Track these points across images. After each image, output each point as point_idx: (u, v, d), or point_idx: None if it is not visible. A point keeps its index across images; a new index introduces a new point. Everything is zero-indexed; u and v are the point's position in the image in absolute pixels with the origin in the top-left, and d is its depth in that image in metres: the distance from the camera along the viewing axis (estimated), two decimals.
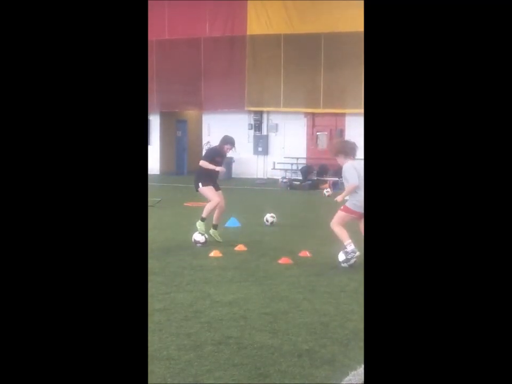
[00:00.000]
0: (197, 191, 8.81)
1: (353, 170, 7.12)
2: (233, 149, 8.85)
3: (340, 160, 7.38)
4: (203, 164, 8.57)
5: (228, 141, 8.72)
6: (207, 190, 8.61)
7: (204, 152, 9.81)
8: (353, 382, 3.67)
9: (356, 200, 7.07)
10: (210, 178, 8.61)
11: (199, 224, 8.49)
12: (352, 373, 3.80)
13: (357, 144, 7.36)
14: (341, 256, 7.04)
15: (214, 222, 8.72)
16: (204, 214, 8.51)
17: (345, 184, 7.33)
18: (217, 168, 8.47)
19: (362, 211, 7.03)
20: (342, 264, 7.00)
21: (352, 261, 6.97)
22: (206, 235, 8.41)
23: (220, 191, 8.74)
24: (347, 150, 7.36)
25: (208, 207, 8.54)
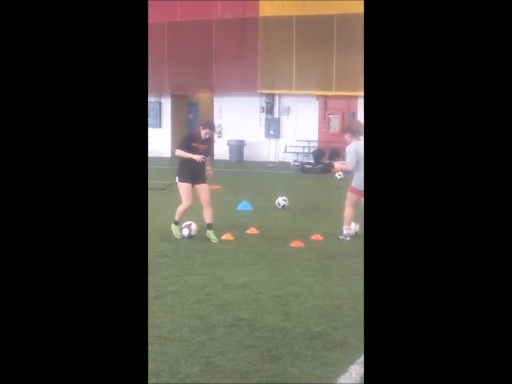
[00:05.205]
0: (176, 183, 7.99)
1: (354, 153, 7.61)
2: (213, 134, 8.01)
3: (348, 138, 7.84)
4: (178, 152, 7.77)
5: (207, 125, 7.82)
6: (181, 187, 7.76)
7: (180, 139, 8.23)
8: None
9: (359, 180, 7.46)
10: (188, 171, 7.67)
11: (174, 228, 7.82)
12: None
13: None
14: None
15: (207, 222, 7.77)
16: (176, 218, 7.81)
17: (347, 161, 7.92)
18: (194, 157, 7.52)
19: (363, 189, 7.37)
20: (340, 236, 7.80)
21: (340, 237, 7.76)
22: (186, 230, 7.80)
23: (205, 185, 7.79)
24: (354, 128, 7.82)
25: (179, 209, 7.80)
